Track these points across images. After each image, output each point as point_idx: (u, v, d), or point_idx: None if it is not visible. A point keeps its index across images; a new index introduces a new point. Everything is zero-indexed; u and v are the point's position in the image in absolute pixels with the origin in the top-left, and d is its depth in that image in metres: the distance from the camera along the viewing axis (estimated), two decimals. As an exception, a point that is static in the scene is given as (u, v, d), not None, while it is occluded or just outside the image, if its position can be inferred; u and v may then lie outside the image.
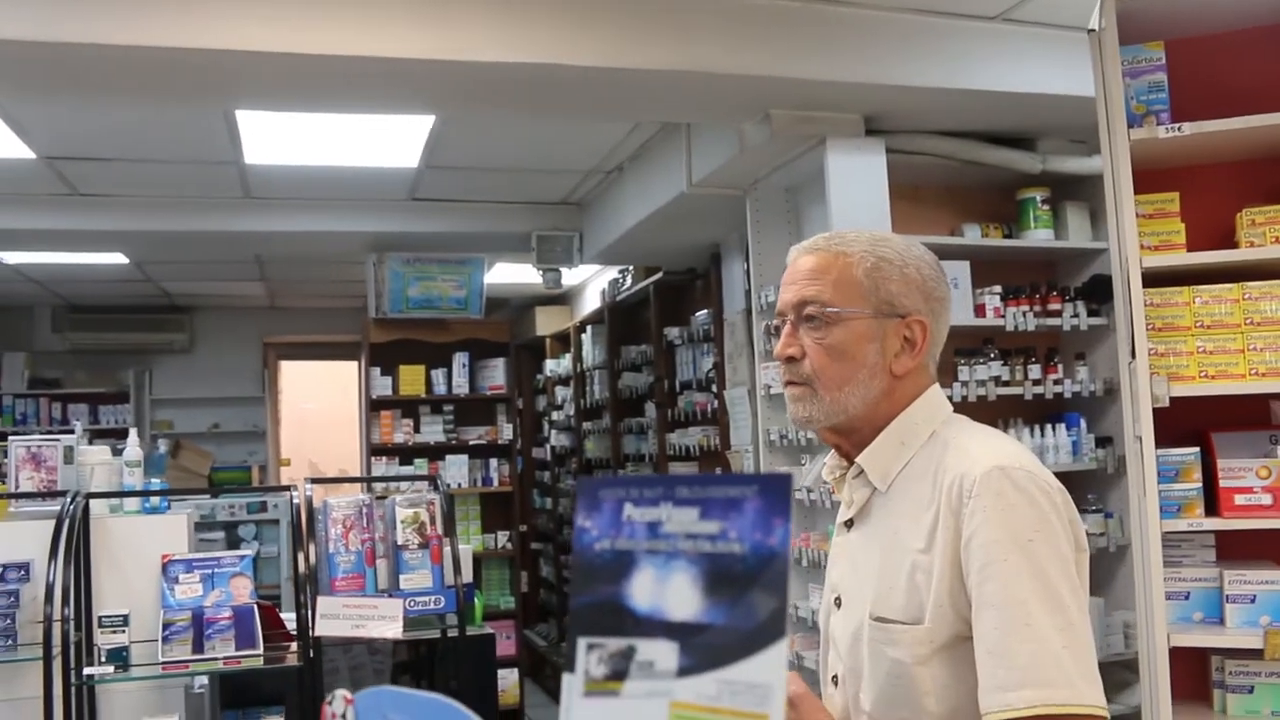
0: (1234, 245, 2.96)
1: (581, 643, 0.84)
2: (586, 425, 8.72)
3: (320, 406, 11.60)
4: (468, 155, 5.68)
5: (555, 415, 9.72)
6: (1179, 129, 2.90)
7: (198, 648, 3.39)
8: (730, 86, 3.89)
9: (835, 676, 1.63)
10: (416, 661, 4.76)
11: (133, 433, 4.00)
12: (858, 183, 4.21)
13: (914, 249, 1.61)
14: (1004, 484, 1.42)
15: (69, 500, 3.45)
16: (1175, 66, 2.99)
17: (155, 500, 3.84)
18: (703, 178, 4.97)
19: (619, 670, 0.81)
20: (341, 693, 0.86)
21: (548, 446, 9.88)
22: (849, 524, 1.64)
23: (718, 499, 0.80)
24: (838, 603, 1.64)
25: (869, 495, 1.60)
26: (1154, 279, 2.93)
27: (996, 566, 1.39)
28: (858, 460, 1.60)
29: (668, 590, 0.80)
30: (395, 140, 5.33)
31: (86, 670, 3.31)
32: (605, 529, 0.84)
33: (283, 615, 3.84)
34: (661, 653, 0.80)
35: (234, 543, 8.15)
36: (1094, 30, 2.98)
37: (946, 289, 1.64)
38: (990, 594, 1.39)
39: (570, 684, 0.83)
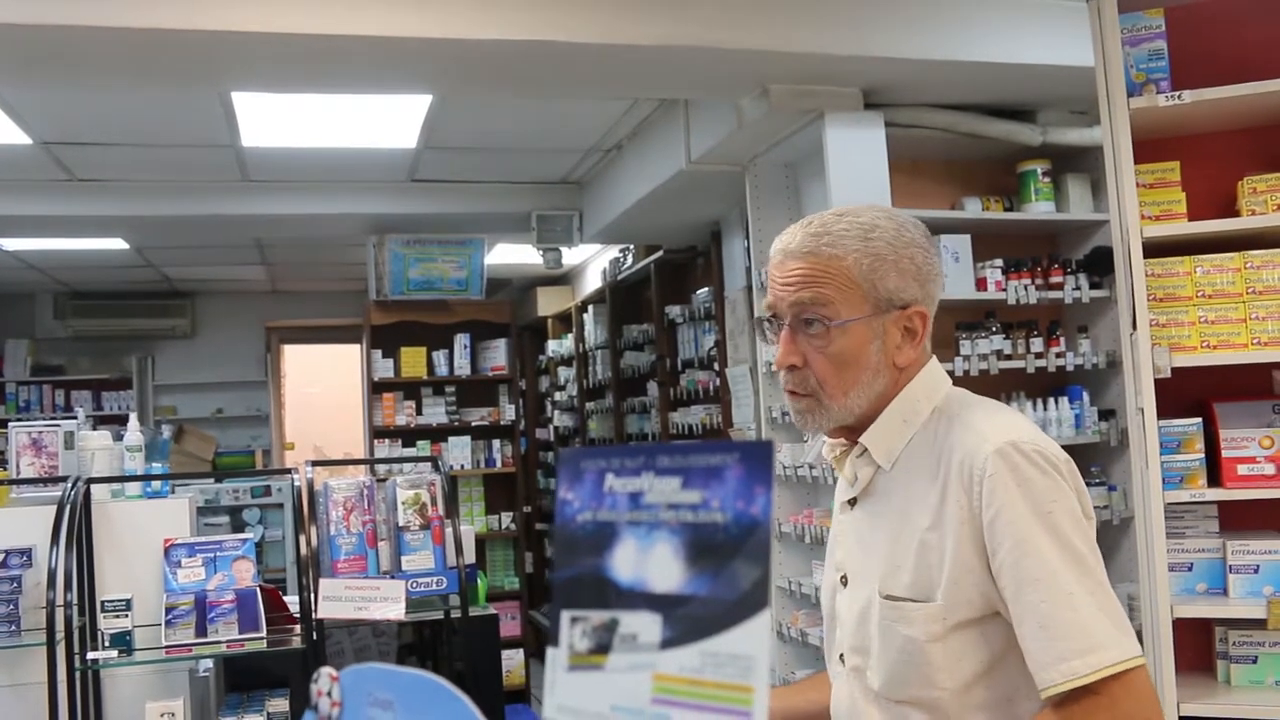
0: (1235, 214, 2.94)
1: (565, 616, 0.83)
2: (589, 405, 8.72)
3: (324, 390, 11.60)
4: (466, 135, 5.66)
5: (558, 396, 9.71)
6: (1179, 97, 2.87)
7: (201, 631, 3.39)
8: (728, 61, 3.87)
9: (842, 655, 1.62)
10: (421, 643, 4.77)
11: (133, 418, 3.99)
12: (857, 157, 4.19)
13: (904, 233, 1.56)
14: (1017, 459, 1.43)
15: (70, 486, 3.45)
16: (1175, 34, 2.96)
17: (157, 485, 3.84)
18: (702, 154, 4.94)
19: (602, 643, 0.81)
20: (327, 670, 0.85)
21: (551, 427, 9.88)
22: (852, 502, 1.63)
23: (699, 468, 0.79)
24: (844, 581, 1.63)
25: (873, 473, 1.59)
26: (1155, 249, 2.91)
27: (1027, 543, 1.40)
28: (861, 440, 1.59)
29: (650, 561, 0.79)
30: (393, 121, 5.31)
31: (90, 655, 3.31)
32: (587, 500, 0.83)
33: (287, 598, 3.85)
34: (644, 625, 0.79)
35: (238, 527, 8.17)
36: (1093, -2, 2.96)
37: (939, 263, 1.61)
38: (1027, 570, 1.40)
39: (554, 658, 0.83)
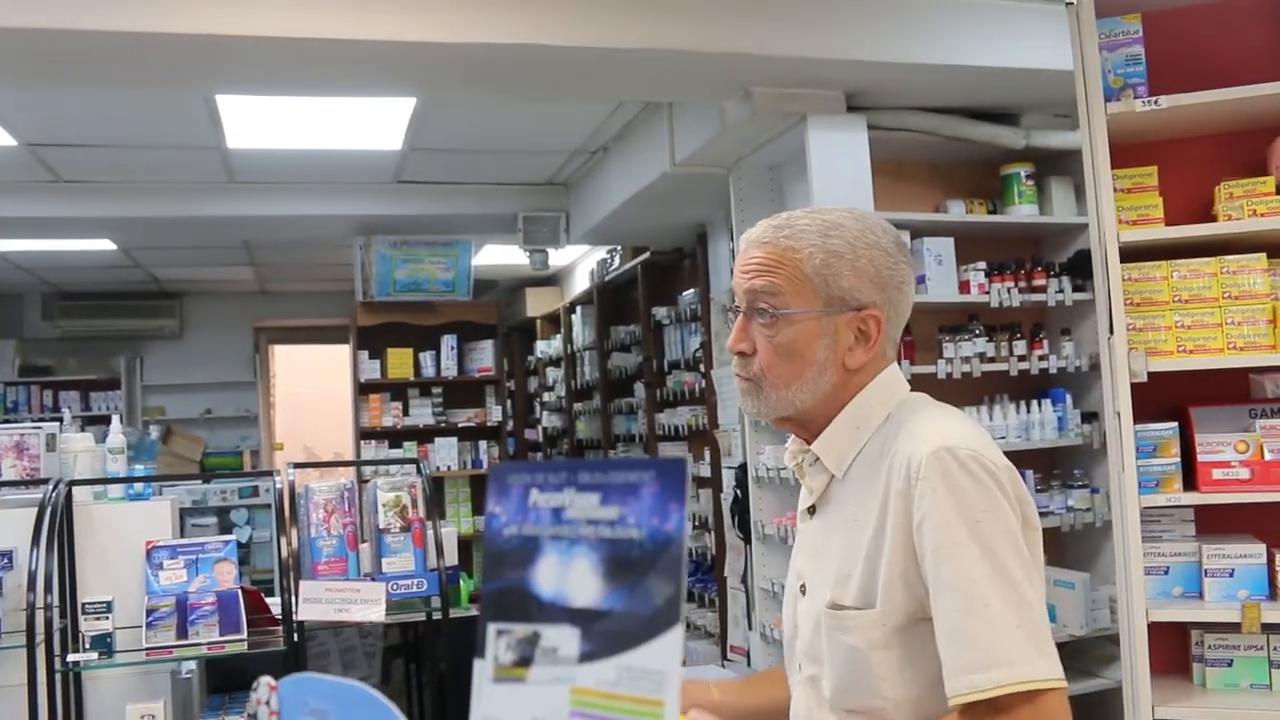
0: (1212, 219, 2.94)
1: (491, 629, 0.84)
2: (578, 406, 8.73)
3: (314, 390, 11.59)
4: (451, 137, 5.66)
5: (547, 396, 9.72)
6: (1156, 102, 2.88)
7: (182, 633, 3.40)
8: (710, 64, 3.88)
9: (800, 664, 1.62)
10: (406, 644, 4.77)
11: (115, 419, 3.99)
12: (840, 160, 4.20)
13: (868, 235, 1.55)
14: (950, 464, 1.41)
15: (51, 488, 3.45)
16: (1152, 39, 2.97)
17: (139, 486, 3.84)
18: (686, 157, 4.95)
19: (525, 656, 0.82)
20: (266, 680, 0.87)
21: (540, 428, 9.88)
22: (811, 510, 1.63)
23: (617, 484, 0.80)
24: (802, 590, 1.62)
25: (827, 482, 1.58)
26: (1132, 253, 2.92)
27: (949, 549, 1.39)
28: (812, 448, 1.59)
29: (570, 576, 0.81)
30: (378, 123, 5.32)
31: (71, 657, 3.32)
32: (513, 515, 0.85)
33: (271, 600, 3.85)
34: (564, 639, 0.81)
35: (226, 528, 8.20)
36: (1071, 3, 2.96)
37: (907, 270, 1.59)
38: (946, 577, 1.39)
39: (480, 670, 0.84)
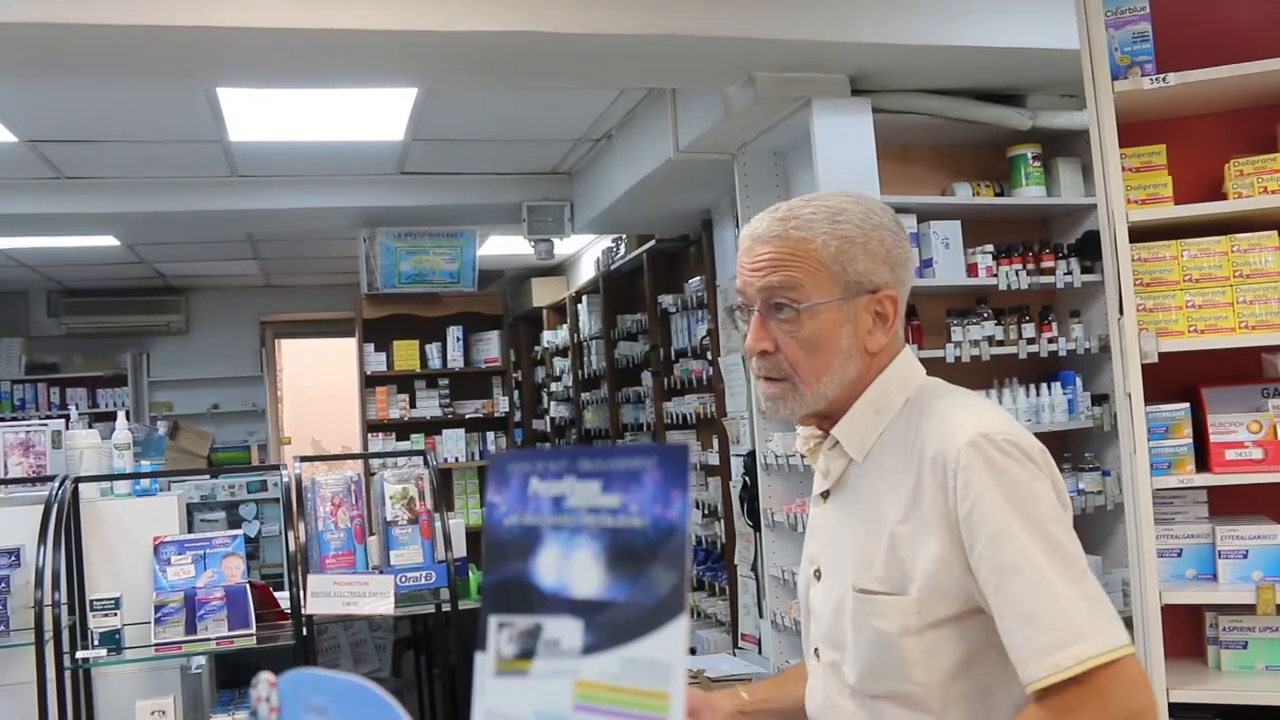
0: (1222, 197, 2.91)
1: (492, 621, 0.83)
2: (585, 396, 8.71)
3: (322, 384, 11.58)
4: (454, 127, 5.64)
5: (554, 386, 9.70)
6: (1164, 80, 2.85)
7: (190, 629, 3.40)
8: (712, 49, 3.84)
9: (817, 650, 1.60)
10: (416, 637, 4.77)
11: (120, 415, 3.99)
12: (845, 144, 4.16)
13: (872, 216, 1.54)
14: (990, 451, 1.41)
15: (56, 485, 3.45)
16: (1160, 15, 2.93)
17: (146, 482, 3.84)
18: (690, 143, 4.92)
19: (527, 649, 0.81)
20: (265, 676, 0.85)
21: (547, 418, 9.87)
22: (825, 495, 1.61)
23: (618, 471, 0.78)
24: (817, 575, 1.61)
25: (845, 466, 1.57)
26: (1141, 233, 2.89)
27: (1006, 534, 1.38)
28: (833, 432, 1.57)
29: (572, 566, 0.79)
30: (380, 113, 5.29)
31: (80, 654, 3.32)
32: (513, 504, 0.83)
33: (281, 594, 3.85)
34: (567, 630, 0.79)
35: (235, 522, 8.21)
36: (1077, -19, 2.93)
37: (909, 248, 1.59)
38: (1008, 561, 1.37)
39: (482, 663, 0.82)
